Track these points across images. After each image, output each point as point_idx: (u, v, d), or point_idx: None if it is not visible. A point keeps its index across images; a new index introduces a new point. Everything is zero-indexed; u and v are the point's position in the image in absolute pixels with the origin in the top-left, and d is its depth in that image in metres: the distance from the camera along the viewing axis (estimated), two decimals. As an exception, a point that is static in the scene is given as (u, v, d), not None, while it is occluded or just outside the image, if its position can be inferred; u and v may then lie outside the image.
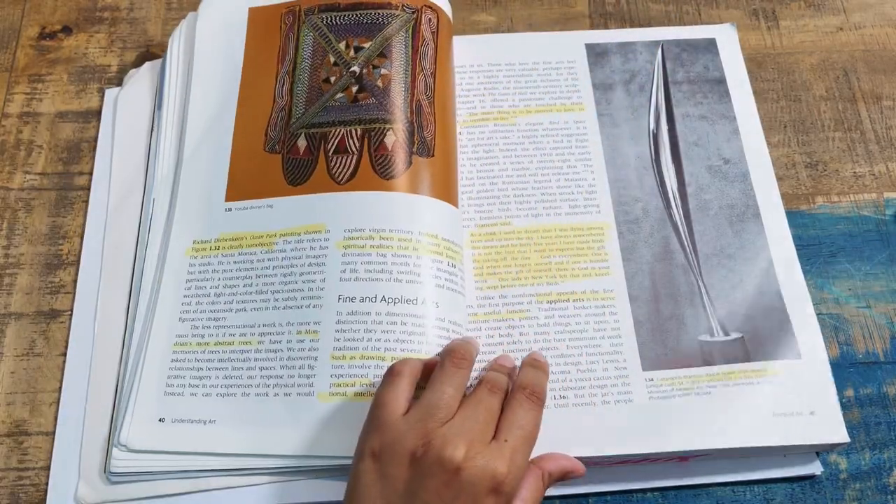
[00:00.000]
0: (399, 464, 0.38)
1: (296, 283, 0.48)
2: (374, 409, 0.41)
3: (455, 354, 0.43)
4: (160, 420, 0.46)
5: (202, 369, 0.47)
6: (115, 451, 0.45)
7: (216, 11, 0.59)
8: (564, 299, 0.50)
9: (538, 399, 0.42)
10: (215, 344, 0.48)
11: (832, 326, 0.52)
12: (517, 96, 0.57)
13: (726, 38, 0.61)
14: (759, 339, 0.49)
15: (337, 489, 0.45)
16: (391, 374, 0.42)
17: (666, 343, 0.49)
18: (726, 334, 0.49)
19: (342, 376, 0.45)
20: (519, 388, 0.42)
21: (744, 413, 0.46)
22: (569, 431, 0.45)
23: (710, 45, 0.60)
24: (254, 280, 0.49)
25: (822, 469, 0.47)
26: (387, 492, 0.38)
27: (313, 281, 0.47)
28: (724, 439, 0.46)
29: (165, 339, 0.48)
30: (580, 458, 0.44)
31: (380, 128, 0.51)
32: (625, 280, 0.51)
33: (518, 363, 0.46)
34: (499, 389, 0.42)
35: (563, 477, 0.43)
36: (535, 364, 0.45)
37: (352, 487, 0.39)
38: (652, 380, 0.48)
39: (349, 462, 0.44)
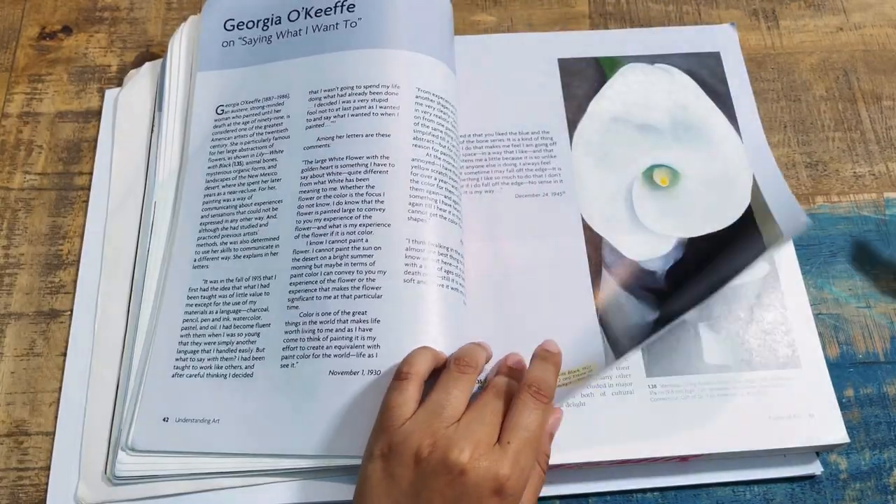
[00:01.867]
0: (405, 464, 0.39)
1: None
2: (382, 412, 0.42)
3: (462, 361, 0.43)
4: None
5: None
6: (120, 455, 0.45)
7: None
8: None
9: (544, 397, 0.42)
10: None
11: (832, 326, 0.52)
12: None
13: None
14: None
15: (339, 489, 0.45)
16: (399, 378, 0.43)
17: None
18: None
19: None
20: (525, 385, 0.42)
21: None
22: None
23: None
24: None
25: (822, 469, 0.47)
26: (393, 491, 0.39)
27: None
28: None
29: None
30: (580, 463, 0.44)
31: None
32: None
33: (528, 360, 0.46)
34: (504, 392, 0.42)
35: (552, 437, 0.44)
36: (544, 356, 0.45)
37: (360, 487, 0.40)
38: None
39: (350, 462, 0.44)
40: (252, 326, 0.48)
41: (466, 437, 0.39)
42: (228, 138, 0.55)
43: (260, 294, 0.49)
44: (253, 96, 0.56)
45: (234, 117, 0.55)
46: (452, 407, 0.41)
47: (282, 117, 0.54)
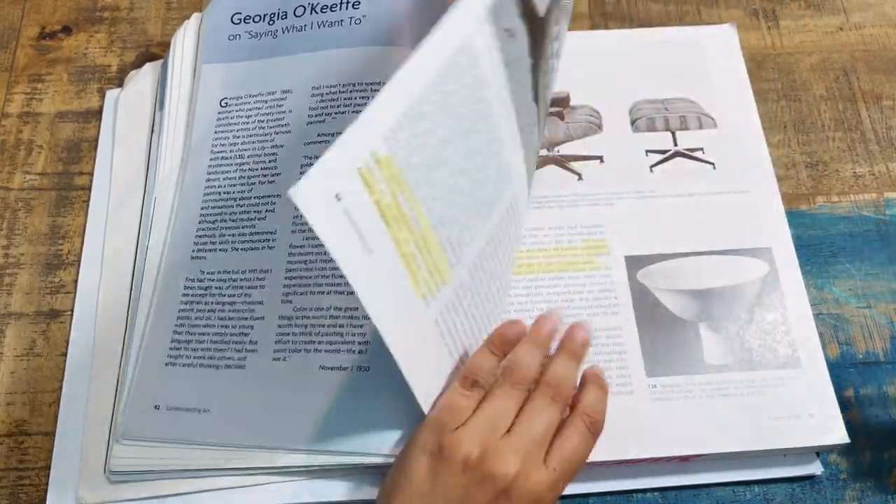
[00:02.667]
0: (453, 468, 0.39)
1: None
2: (441, 410, 0.42)
3: (515, 377, 0.43)
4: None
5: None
6: (115, 448, 0.45)
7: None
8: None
9: (596, 430, 0.42)
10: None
11: (832, 326, 0.52)
12: None
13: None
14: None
15: (340, 489, 0.45)
16: (465, 383, 0.42)
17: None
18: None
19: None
20: (582, 413, 0.42)
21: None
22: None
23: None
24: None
25: (822, 469, 0.47)
26: (436, 491, 0.39)
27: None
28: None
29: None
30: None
31: None
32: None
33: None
34: (561, 399, 0.42)
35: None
36: (599, 383, 0.44)
37: (399, 479, 0.40)
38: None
39: (351, 462, 0.44)
40: (246, 319, 0.48)
41: (516, 451, 0.40)
42: (231, 131, 0.55)
43: (255, 287, 0.49)
44: (257, 90, 0.56)
45: (237, 110, 0.55)
46: (504, 420, 0.41)
47: (284, 112, 0.54)
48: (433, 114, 0.39)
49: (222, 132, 0.55)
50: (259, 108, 0.55)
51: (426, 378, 0.42)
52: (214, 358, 0.48)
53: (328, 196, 0.35)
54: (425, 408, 0.42)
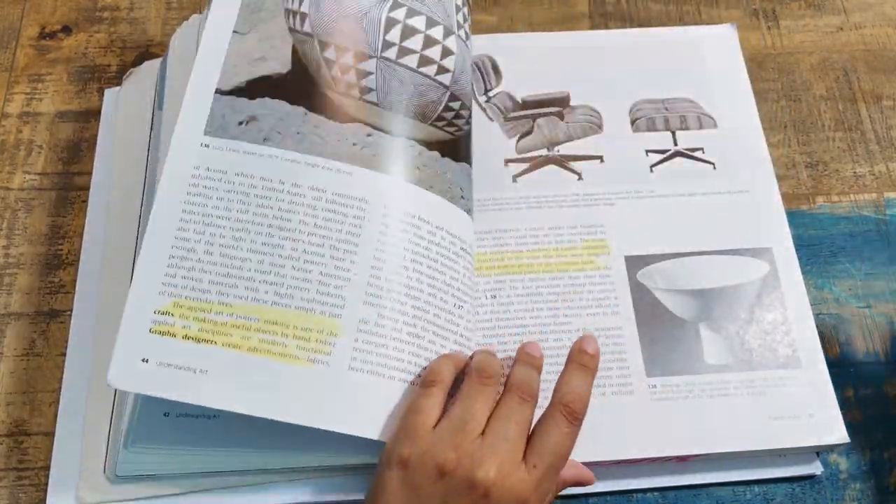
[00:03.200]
0: (427, 476, 0.38)
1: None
2: (407, 416, 0.41)
3: (483, 373, 0.42)
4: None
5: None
6: (123, 454, 0.45)
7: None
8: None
9: (577, 418, 0.41)
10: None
11: (832, 326, 0.52)
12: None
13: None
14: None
15: (340, 489, 0.45)
16: (425, 384, 0.42)
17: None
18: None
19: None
20: (558, 403, 0.41)
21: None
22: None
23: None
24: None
25: (822, 469, 0.47)
26: (411, 502, 0.38)
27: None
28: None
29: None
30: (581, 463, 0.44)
31: None
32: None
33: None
34: (530, 397, 0.41)
35: (575, 484, 0.43)
36: (581, 360, 0.43)
37: (376, 493, 0.39)
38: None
39: (351, 462, 0.44)
40: None
41: (492, 455, 0.38)
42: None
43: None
44: None
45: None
46: (476, 421, 0.40)
47: None
48: (199, 235, 0.43)
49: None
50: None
51: (371, 423, 0.42)
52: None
53: (138, 365, 0.41)
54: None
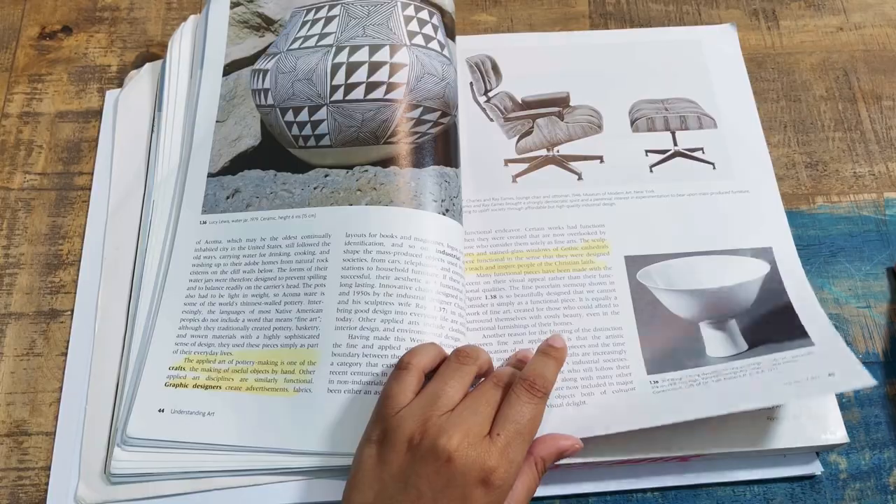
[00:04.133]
0: (398, 450, 0.40)
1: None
2: (381, 400, 0.42)
3: (462, 352, 0.44)
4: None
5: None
6: (116, 451, 0.45)
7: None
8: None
9: (538, 391, 0.42)
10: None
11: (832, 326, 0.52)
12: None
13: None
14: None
15: (338, 490, 0.45)
16: (399, 367, 0.43)
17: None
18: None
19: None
20: (520, 379, 0.42)
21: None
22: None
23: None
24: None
25: (822, 469, 0.47)
26: (383, 475, 0.39)
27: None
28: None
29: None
30: (581, 463, 0.44)
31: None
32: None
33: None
34: (504, 383, 0.43)
35: (560, 457, 0.43)
36: (547, 351, 0.45)
37: (353, 471, 0.41)
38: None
39: (349, 462, 0.44)
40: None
41: (457, 425, 0.39)
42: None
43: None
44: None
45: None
46: (448, 396, 0.41)
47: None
48: (203, 298, 0.49)
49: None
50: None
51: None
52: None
53: (155, 415, 0.46)
54: None
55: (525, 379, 0.42)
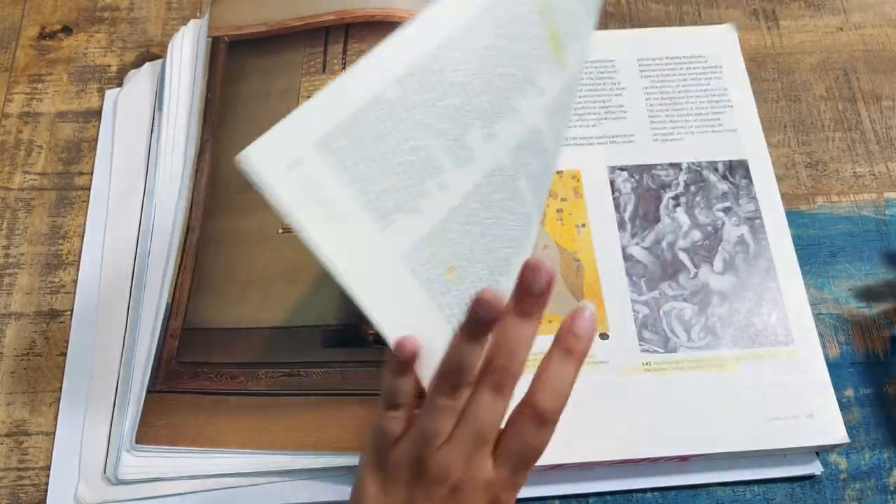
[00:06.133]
0: (400, 482, 0.37)
1: None
2: (375, 434, 0.39)
3: (455, 386, 0.36)
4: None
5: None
6: (124, 457, 0.45)
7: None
8: None
9: (547, 420, 0.36)
10: None
11: (832, 326, 0.52)
12: None
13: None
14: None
15: (340, 489, 0.45)
16: (388, 407, 0.38)
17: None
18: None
19: None
20: (530, 402, 0.36)
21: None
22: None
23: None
24: None
25: (822, 469, 0.47)
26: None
27: None
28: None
29: None
30: (580, 463, 0.44)
31: None
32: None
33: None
34: (505, 390, 0.37)
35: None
36: (563, 354, 0.37)
37: (358, 496, 0.38)
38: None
39: (351, 462, 0.44)
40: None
41: (459, 456, 0.36)
42: None
43: None
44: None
45: None
46: (443, 433, 0.36)
47: None
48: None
49: None
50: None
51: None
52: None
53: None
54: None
55: (534, 405, 0.36)
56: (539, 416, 0.36)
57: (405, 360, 0.36)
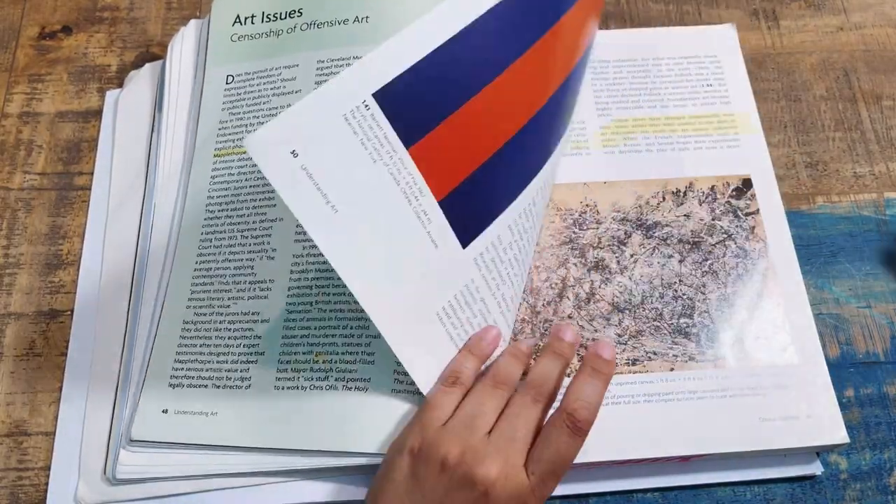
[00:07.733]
0: (431, 467, 0.39)
1: None
2: (423, 410, 0.42)
3: (497, 378, 0.42)
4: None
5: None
6: (121, 454, 0.45)
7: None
8: None
9: (581, 429, 0.40)
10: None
11: (832, 326, 0.52)
12: None
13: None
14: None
15: (339, 489, 0.45)
16: (447, 383, 0.42)
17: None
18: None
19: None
20: (564, 411, 0.40)
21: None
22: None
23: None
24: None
25: (822, 469, 0.47)
26: (414, 492, 0.39)
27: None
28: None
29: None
30: (581, 463, 0.44)
31: None
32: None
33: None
34: (543, 397, 0.42)
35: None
36: (596, 366, 0.42)
37: (383, 477, 0.40)
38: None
39: (350, 462, 0.44)
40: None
41: (494, 456, 0.39)
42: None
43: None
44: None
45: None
46: (485, 419, 0.40)
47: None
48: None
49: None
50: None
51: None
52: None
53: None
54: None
55: (570, 413, 0.40)
56: (574, 423, 0.40)
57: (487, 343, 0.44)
